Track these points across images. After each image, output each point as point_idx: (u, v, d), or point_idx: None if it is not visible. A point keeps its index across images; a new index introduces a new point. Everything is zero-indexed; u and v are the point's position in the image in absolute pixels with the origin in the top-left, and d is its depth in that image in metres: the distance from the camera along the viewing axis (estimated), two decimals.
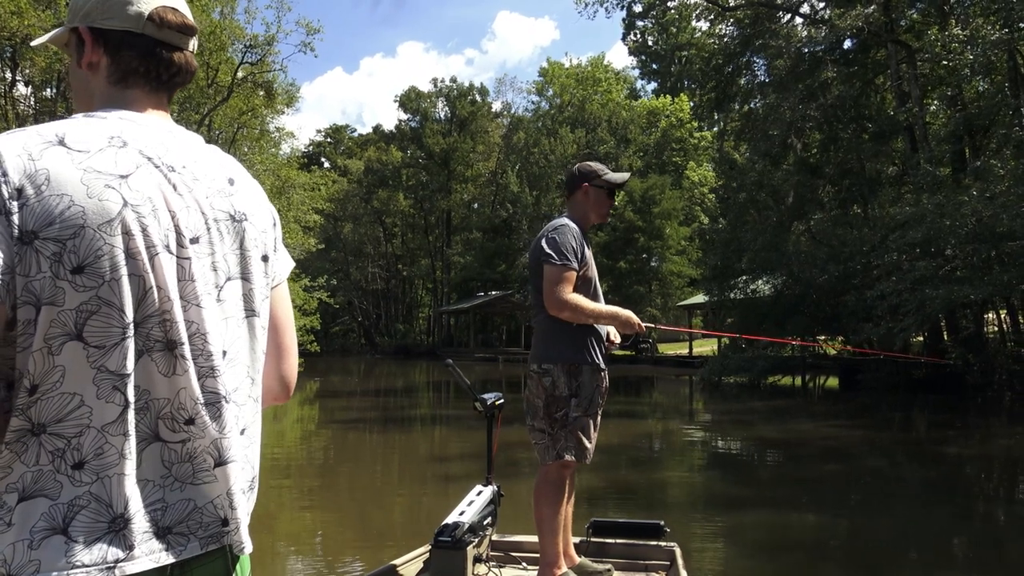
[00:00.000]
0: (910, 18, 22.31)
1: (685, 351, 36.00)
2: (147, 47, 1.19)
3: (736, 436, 13.22)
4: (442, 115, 61.15)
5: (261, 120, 32.80)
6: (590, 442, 3.25)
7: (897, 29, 21.84)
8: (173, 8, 1.21)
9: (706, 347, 35.33)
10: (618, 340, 3.50)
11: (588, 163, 3.54)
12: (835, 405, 19.24)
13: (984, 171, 16.41)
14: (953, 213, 15.13)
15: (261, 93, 29.14)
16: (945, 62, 17.83)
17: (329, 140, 74.33)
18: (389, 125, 65.34)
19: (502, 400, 4.01)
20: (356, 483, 8.96)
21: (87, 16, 1.18)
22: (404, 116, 62.34)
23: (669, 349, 38.71)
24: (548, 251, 3.18)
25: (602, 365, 3.35)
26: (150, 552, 1.03)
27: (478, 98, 60.24)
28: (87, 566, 0.98)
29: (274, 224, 1.30)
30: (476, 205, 60.40)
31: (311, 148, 72.02)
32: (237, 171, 1.24)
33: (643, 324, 3.38)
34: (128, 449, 1.03)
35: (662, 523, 3.90)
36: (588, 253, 3.32)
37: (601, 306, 3.30)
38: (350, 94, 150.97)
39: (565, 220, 3.35)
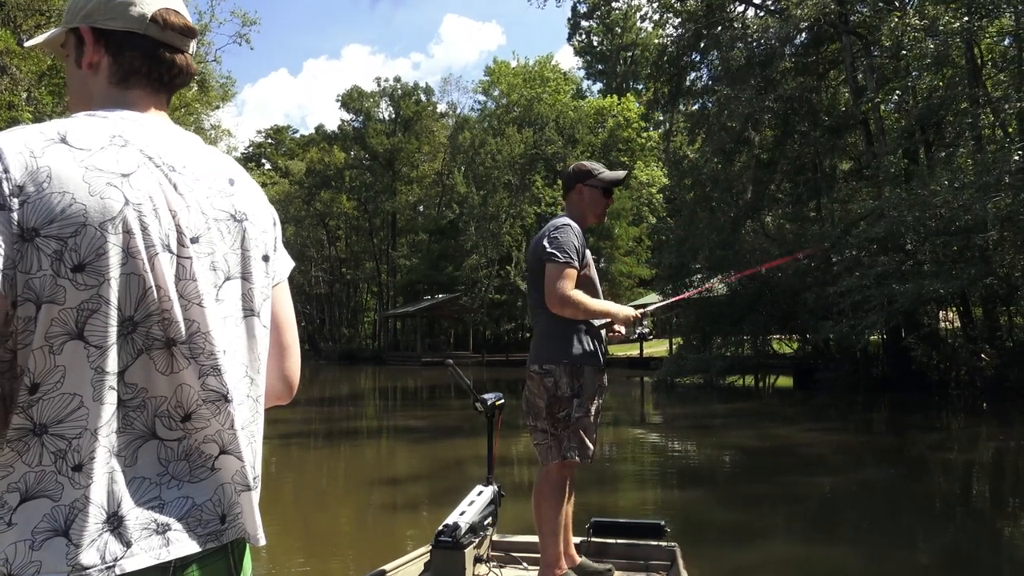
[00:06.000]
0: (861, 14, 22.09)
1: (636, 352, 35.66)
2: (149, 48, 1.20)
3: (709, 443, 12.58)
4: (386, 115, 60.07)
5: (196, 117, 31.42)
6: (592, 442, 3.26)
7: (851, 22, 21.59)
8: (175, 10, 1.21)
9: (659, 348, 35.00)
10: (623, 330, 3.43)
11: (582, 163, 3.55)
12: (800, 407, 18.72)
13: (946, 162, 16.13)
14: (923, 205, 14.75)
15: (194, 87, 27.78)
16: (905, 51, 17.52)
17: (270, 141, 72.56)
18: (332, 126, 63.86)
19: (502, 400, 3.99)
20: (301, 498, 8.03)
21: (88, 16, 1.18)
22: (347, 116, 61.07)
23: (619, 350, 38.18)
24: (550, 249, 3.18)
25: (603, 365, 3.35)
26: (149, 549, 1.02)
27: (423, 98, 59.30)
28: (87, 567, 0.97)
29: (274, 224, 1.31)
30: (422, 207, 59.55)
31: (251, 149, 70.23)
32: (237, 172, 1.24)
33: (638, 312, 3.37)
34: (120, 447, 1.03)
35: (663, 523, 3.89)
36: (588, 253, 3.34)
37: (601, 302, 3.29)
38: (293, 97, 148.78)
39: (566, 219, 3.35)
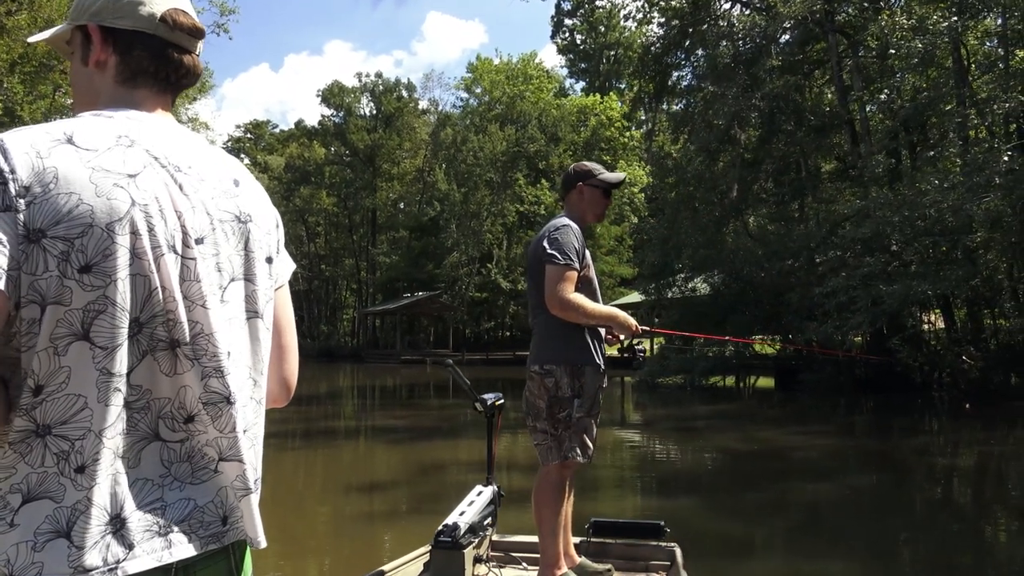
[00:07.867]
0: (847, 13, 22.06)
1: (615, 352, 35.51)
2: (158, 48, 1.19)
3: (694, 446, 12.37)
4: (367, 111, 59.63)
5: (173, 109, 30.94)
6: (592, 442, 3.31)
7: (837, 21, 21.52)
8: (184, 11, 1.21)
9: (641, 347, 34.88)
10: (623, 336, 3.47)
11: (583, 163, 3.59)
12: (783, 408, 18.57)
13: (932, 163, 16.06)
14: (910, 205, 14.65)
15: None
16: (892, 51, 17.44)
17: (249, 135, 71.78)
18: (312, 122, 63.30)
19: (502, 400, 4.00)
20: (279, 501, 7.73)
21: (97, 14, 1.17)
22: (327, 111, 60.55)
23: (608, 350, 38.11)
24: (551, 251, 3.18)
25: (603, 366, 3.36)
26: (151, 551, 1.02)
27: (404, 94, 58.92)
28: (88, 570, 0.97)
29: (277, 226, 1.30)
30: (403, 204, 59.22)
31: (229, 143, 69.44)
32: (242, 173, 1.24)
33: (639, 327, 3.36)
34: (124, 449, 1.02)
35: (662, 523, 3.89)
36: (587, 254, 3.34)
37: (601, 307, 3.30)
38: (274, 93, 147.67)
39: (566, 220, 3.36)
